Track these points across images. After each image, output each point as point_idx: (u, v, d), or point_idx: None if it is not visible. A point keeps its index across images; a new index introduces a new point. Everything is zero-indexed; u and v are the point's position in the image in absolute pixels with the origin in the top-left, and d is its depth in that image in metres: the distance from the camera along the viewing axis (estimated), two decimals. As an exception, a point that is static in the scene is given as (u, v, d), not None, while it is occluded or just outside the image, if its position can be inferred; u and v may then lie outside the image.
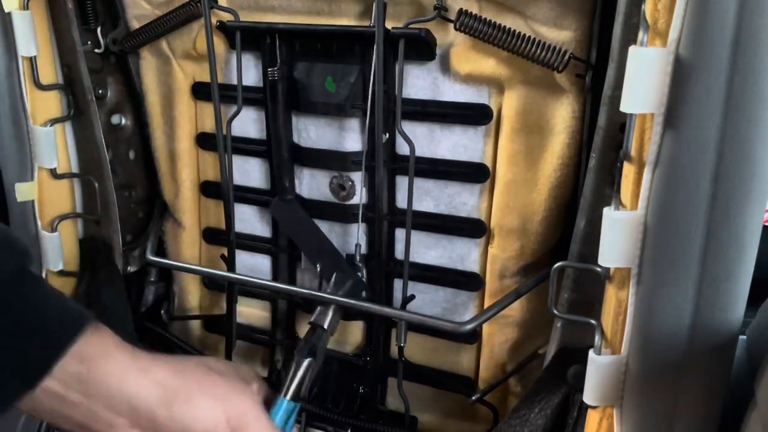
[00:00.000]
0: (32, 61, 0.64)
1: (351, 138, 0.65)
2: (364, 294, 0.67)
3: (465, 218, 0.64)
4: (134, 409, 0.46)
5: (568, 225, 0.60)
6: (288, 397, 0.59)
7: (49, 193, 0.70)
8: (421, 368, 0.70)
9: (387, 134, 0.62)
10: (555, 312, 0.50)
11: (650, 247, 0.40)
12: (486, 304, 0.66)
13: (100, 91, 0.73)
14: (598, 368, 0.44)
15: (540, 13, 0.53)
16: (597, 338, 0.45)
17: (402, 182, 0.65)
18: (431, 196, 0.64)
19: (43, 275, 0.72)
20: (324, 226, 0.70)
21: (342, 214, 0.68)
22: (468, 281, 0.66)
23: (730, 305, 0.39)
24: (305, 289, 0.68)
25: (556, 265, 0.49)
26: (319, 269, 0.68)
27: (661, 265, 0.39)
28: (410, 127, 0.61)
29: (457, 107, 0.60)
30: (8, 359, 0.43)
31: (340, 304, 0.62)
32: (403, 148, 0.63)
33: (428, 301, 0.68)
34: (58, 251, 0.71)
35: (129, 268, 0.79)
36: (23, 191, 0.68)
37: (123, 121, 0.77)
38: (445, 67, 0.60)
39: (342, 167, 0.66)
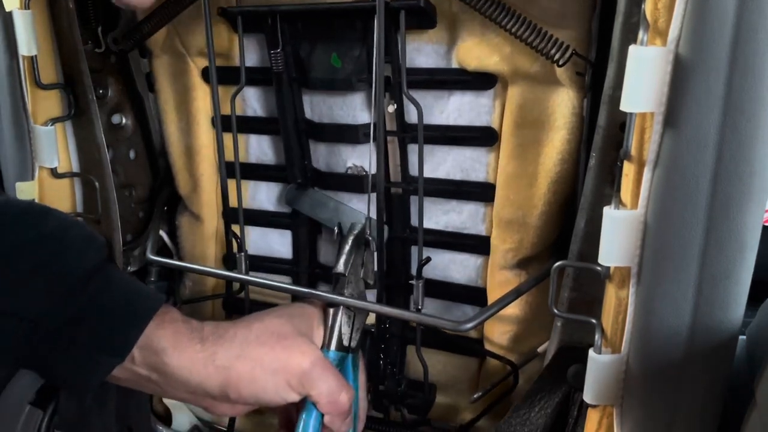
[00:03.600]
0: (33, 60, 0.64)
1: (360, 110, 0.66)
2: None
3: (476, 182, 0.65)
4: (207, 392, 0.53)
5: (567, 223, 0.60)
6: (331, 348, 0.60)
7: (50, 192, 0.70)
8: (437, 333, 0.71)
9: (395, 104, 0.63)
10: (555, 311, 0.50)
11: (650, 246, 0.40)
12: (488, 297, 0.66)
13: (101, 91, 0.74)
14: (598, 367, 0.44)
15: (540, 11, 0.53)
16: (597, 337, 0.45)
17: (412, 150, 0.65)
18: (442, 162, 0.65)
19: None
20: (340, 198, 0.72)
21: (358, 185, 0.69)
22: (480, 245, 0.67)
23: (730, 304, 0.39)
24: (322, 291, 0.67)
25: (556, 264, 0.49)
26: (336, 230, 0.68)
27: (661, 264, 0.39)
28: (418, 97, 0.61)
29: (463, 73, 0.61)
30: (101, 337, 0.50)
31: (349, 305, 0.62)
32: (411, 117, 0.63)
33: (442, 264, 0.70)
34: (58, 251, 0.71)
35: (129, 267, 0.79)
36: (24, 190, 0.68)
37: (123, 121, 0.77)
38: (451, 63, 0.61)
39: (353, 139, 0.67)
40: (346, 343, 0.61)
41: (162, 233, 0.81)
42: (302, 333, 0.57)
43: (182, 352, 0.52)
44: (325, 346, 0.60)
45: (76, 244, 0.51)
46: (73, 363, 0.49)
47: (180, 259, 0.82)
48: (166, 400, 0.80)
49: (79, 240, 0.52)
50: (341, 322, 0.61)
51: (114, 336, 0.50)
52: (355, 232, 0.63)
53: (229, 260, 0.79)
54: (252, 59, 0.69)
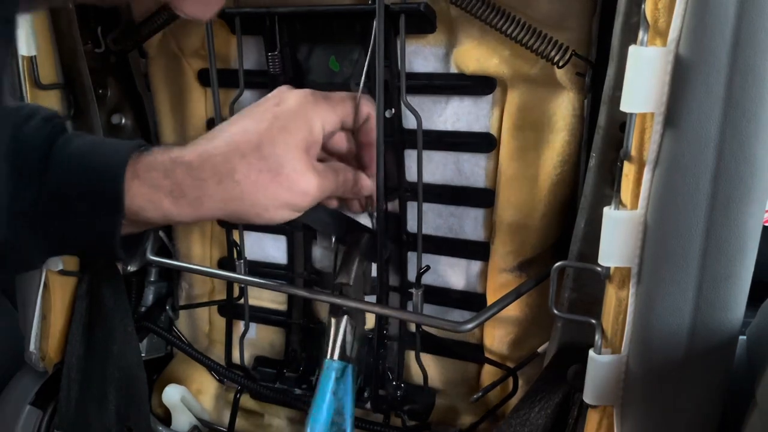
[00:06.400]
0: (32, 60, 0.64)
1: None
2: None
3: (474, 188, 0.65)
4: (207, 218, 0.51)
5: (567, 223, 0.60)
6: (335, 357, 0.60)
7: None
8: (436, 338, 0.71)
9: (393, 109, 0.62)
10: (555, 311, 0.50)
11: (650, 247, 0.40)
12: (487, 300, 0.66)
13: (100, 91, 0.73)
14: (598, 367, 0.44)
15: (540, 12, 0.53)
16: (597, 337, 0.45)
17: (410, 156, 0.65)
18: (440, 168, 0.65)
19: (43, 275, 0.72)
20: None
21: None
22: (479, 250, 0.67)
23: (730, 305, 0.39)
24: (319, 293, 0.67)
25: (557, 264, 0.49)
26: (333, 240, 0.68)
27: (661, 264, 0.39)
28: (416, 102, 0.61)
29: (461, 78, 0.61)
30: (90, 202, 0.47)
31: (352, 307, 0.62)
32: (409, 122, 0.63)
33: (441, 270, 0.69)
34: (58, 251, 0.71)
35: (129, 268, 0.79)
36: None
37: (123, 121, 0.77)
38: (449, 67, 0.61)
39: None
40: (348, 353, 0.61)
41: (161, 233, 0.81)
42: (292, 153, 0.52)
43: (161, 206, 0.49)
44: (328, 356, 0.60)
45: (17, 126, 0.47)
46: (85, 232, 0.48)
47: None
48: (165, 401, 0.80)
49: (19, 118, 0.47)
50: (345, 331, 0.61)
51: (99, 199, 0.47)
52: (360, 244, 0.63)
53: (226, 265, 0.79)
54: (249, 61, 0.68)
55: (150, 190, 0.48)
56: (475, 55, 0.58)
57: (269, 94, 0.56)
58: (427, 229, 0.68)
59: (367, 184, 0.60)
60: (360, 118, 0.57)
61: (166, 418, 0.82)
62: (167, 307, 0.83)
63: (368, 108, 0.57)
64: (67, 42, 0.67)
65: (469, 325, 0.57)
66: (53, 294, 0.73)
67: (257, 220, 0.52)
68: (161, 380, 0.85)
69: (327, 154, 0.60)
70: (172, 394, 0.79)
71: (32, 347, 0.74)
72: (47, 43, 0.66)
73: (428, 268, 0.65)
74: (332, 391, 0.60)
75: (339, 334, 0.60)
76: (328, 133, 0.55)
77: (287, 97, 0.54)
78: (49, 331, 0.73)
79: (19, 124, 0.47)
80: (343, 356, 0.60)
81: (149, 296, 0.84)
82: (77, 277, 0.74)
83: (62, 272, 0.72)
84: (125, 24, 0.72)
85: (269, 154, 0.51)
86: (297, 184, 0.52)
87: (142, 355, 0.82)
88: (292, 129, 0.52)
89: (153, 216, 0.49)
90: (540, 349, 0.63)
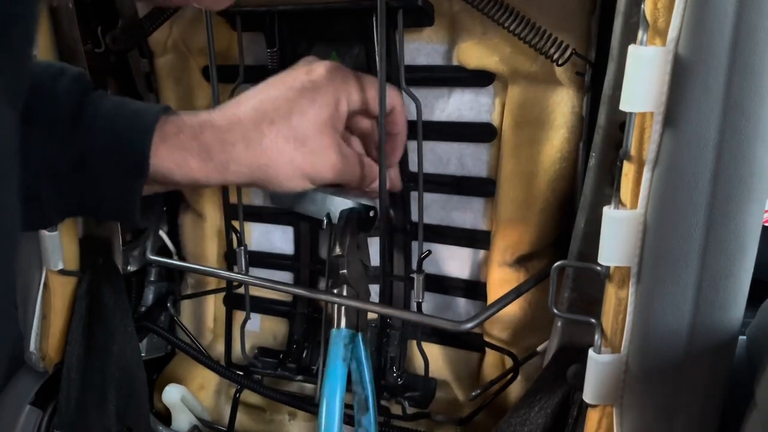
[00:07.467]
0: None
1: None
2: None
3: (476, 178, 0.65)
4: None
5: (567, 222, 0.60)
6: (341, 326, 0.60)
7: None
8: (438, 328, 0.71)
9: None
10: (555, 311, 0.50)
11: (650, 246, 0.40)
12: (488, 294, 0.67)
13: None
14: (598, 367, 0.44)
15: (540, 11, 0.53)
16: (597, 337, 0.45)
17: (412, 146, 0.65)
18: (442, 158, 0.66)
19: (43, 275, 0.72)
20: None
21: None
22: (481, 240, 0.67)
23: (729, 304, 0.39)
24: (321, 292, 0.67)
25: (556, 264, 0.49)
26: (326, 221, 0.68)
27: (661, 263, 0.39)
28: (419, 94, 0.61)
29: (461, 70, 0.61)
30: (115, 163, 0.48)
31: (349, 306, 0.62)
32: (412, 114, 0.63)
33: (443, 259, 0.70)
34: (58, 251, 0.71)
35: (129, 267, 0.80)
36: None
37: (123, 121, 0.77)
38: (451, 63, 0.61)
39: None
40: (354, 322, 0.61)
41: (162, 233, 0.81)
42: (320, 127, 0.53)
43: (188, 169, 0.49)
44: (335, 327, 0.61)
45: (46, 84, 0.48)
46: (106, 194, 0.49)
47: (182, 257, 0.82)
48: (165, 401, 0.80)
49: (48, 79, 0.48)
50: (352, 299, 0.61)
51: (125, 160, 0.48)
52: (347, 215, 0.64)
53: (230, 256, 0.79)
54: (252, 57, 0.69)
55: (178, 152, 0.49)
56: (476, 52, 0.59)
57: (297, 64, 0.56)
58: (430, 219, 0.68)
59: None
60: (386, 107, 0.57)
61: (166, 417, 0.82)
62: (168, 305, 0.83)
63: (395, 98, 0.58)
64: (66, 42, 0.67)
65: (468, 325, 0.57)
66: (53, 294, 0.73)
67: (278, 188, 0.53)
68: (161, 380, 0.85)
69: (349, 132, 0.60)
70: (172, 394, 0.80)
71: (32, 347, 0.74)
72: (47, 43, 0.66)
73: (429, 253, 0.65)
74: (342, 359, 0.59)
75: (343, 306, 0.61)
76: (352, 111, 0.56)
77: (316, 67, 0.55)
78: (49, 331, 0.73)
79: (50, 81, 0.47)
80: (349, 324, 0.60)
81: (149, 296, 0.84)
82: (77, 277, 0.74)
83: (62, 272, 0.72)
84: (125, 23, 0.72)
85: (298, 125, 0.52)
86: (320, 157, 0.53)
87: (142, 355, 0.82)
88: (321, 102, 0.53)
89: (180, 178, 0.50)
90: (540, 349, 0.63)
